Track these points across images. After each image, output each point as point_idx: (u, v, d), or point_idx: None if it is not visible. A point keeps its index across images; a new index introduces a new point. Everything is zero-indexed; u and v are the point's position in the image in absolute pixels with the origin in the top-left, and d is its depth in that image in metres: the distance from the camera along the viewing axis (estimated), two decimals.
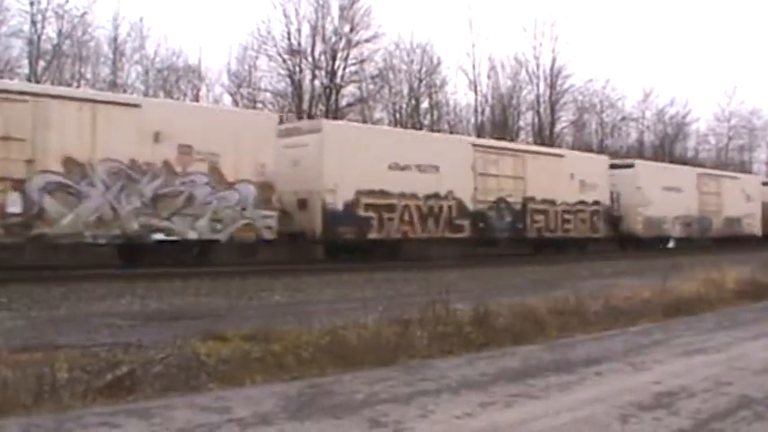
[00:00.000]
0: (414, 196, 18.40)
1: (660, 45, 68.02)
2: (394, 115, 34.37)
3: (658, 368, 6.17)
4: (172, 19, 48.55)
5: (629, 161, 29.12)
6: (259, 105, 29.96)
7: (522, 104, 39.20)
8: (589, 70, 50.49)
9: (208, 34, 53.57)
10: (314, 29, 30.64)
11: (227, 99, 30.58)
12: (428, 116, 35.49)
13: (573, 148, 36.89)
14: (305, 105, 30.02)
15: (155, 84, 28.81)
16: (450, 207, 19.33)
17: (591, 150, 34.69)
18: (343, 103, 31.82)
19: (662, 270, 12.23)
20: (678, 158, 41.13)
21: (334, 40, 30.96)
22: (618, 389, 5.35)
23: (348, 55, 31.38)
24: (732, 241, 29.58)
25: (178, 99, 27.28)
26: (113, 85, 26.66)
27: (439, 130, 32.11)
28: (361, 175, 17.25)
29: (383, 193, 17.75)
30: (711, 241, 29.48)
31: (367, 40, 31.58)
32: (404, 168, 18.19)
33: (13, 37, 25.17)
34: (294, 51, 30.43)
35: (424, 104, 35.72)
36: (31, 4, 25.14)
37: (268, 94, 31.21)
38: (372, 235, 17.61)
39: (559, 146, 36.24)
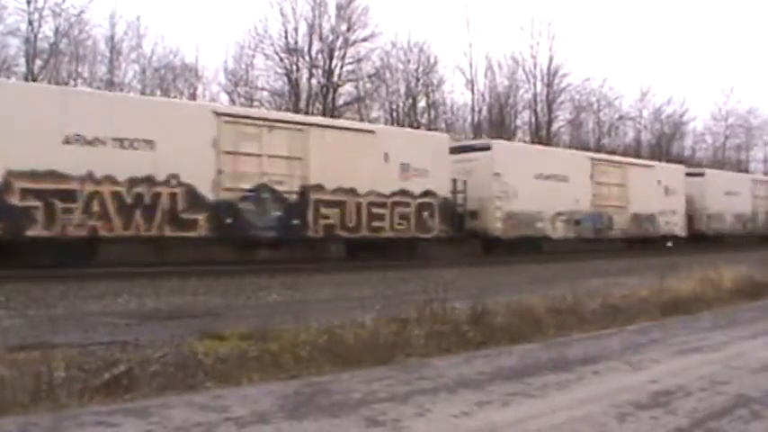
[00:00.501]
0: (110, 180, 13.73)
1: (657, 44, 68.25)
2: (391, 114, 34.39)
3: (655, 367, 6.18)
4: (169, 18, 48.45)
5: (484, 142, 23.34)
6: (256, 104, 29.95)
7: (519, 103, 39.26)
8: (586, 69, 50.43)
9: (205, 33, 53.56)
10: (311, 27, 30.64)
11: (224, 98, 30.60)
12: (425, 115, 35.50)
13: (570, 146, 36.71)
14: (302, 104, 29.98)
15: (152, 82, 28.78)
16: (173, 195, 14.50)
17: (588, 149, 34.29)
18: (340, 101, 31.82)
19: (659, 269, 12.25)
20: (675, 157, 41.11)
21: (331, 38, 30.95)
22: (615, 388, 5.36)
23: (345, 54, 31.36)
24: (644, 242, 25.11)
25: (175, 98, 26.89)
26: (110, 84, 26.61)
27: (437, 129, 31.96)
28: (17, 151, 12.86)
29: (55, 175, 13.19)
30: (621, 242, 24.97)
31: (364, 39, 31.57)
32: (92, 143, 13.58)
33: (9, 35, 25.18)
34: (291, 50, 30.41)
35: (421, 103, 35.70)
36: (28, 2, 25.08)
37: (265, 93, 31.23)
38: (35, 231, 13.01)
39: (557, 145, 36.04)
